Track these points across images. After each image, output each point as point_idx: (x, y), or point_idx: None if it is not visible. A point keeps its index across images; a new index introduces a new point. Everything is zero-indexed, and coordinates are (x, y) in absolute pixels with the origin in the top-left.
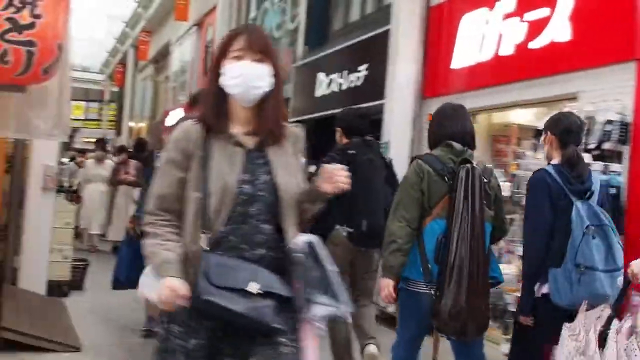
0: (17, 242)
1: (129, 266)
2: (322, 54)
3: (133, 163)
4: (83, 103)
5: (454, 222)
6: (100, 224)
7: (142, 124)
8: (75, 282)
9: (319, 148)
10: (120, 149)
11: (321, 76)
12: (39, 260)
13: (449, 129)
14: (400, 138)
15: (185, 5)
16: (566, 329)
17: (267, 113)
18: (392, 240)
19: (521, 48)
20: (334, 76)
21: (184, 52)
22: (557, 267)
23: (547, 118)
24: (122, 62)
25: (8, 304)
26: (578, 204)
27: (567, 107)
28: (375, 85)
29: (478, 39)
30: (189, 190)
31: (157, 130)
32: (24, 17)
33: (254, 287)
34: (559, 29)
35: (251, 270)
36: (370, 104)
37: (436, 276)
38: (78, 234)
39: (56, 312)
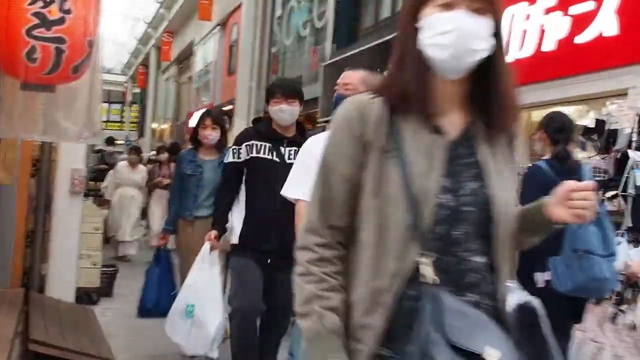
0: (45, 248)
1: (159, 291)
2: (352, 52)
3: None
4: (105, 104)
5: None
6: (131, 231)
7: (165, 126)
8: (105, 289)
9: None
10: (160, 149)
11: None
12: (67, 267)
13: None
14: None
15: (209, 5)
16: (578, 332)
17: (488, 89)
18: None
19: (565, 43)
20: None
21: (208, 53)
22: (556, 255)
23: (590, 115)
24: (145, 64)
25: (36, 312)
26: None
27: (615, 104)
28: None
29: (518, 35)
30: (365, 197)
31: (181, 132)
32: (53, 12)
33: (493, 356)
34: (606, 23)
35: (487, 326)
36: None
37: None
38: (107, 240)
39: (86, 321)
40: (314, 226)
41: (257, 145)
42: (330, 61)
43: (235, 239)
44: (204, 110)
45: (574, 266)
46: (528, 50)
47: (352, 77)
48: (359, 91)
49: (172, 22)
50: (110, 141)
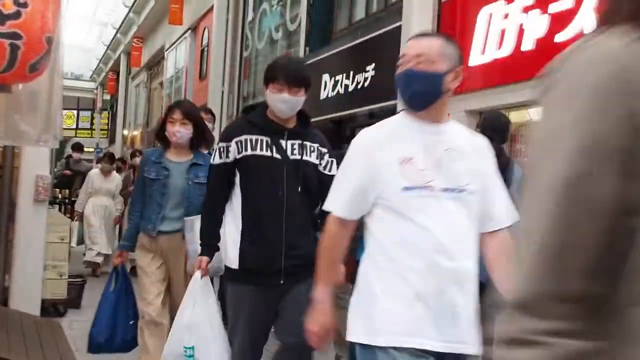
0: (8, 258)
1: (113, 320)
2: (326, 54)
3: None
4: (74, 112)
5: None
6: (106, 243)
7: (136, 132)
8: (72, 301)
9: None
10: (134, 154)
11: (325, 77)
12: (32, 278)
13: None
14: None
15: (179, 9)
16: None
17: None
18: None
19: (544, 42)
20: (339, 77)
21: (179, 58)
22: None
23: None
24: (115, 70)
25: None
26: None
27: None
28: (384, 86)
29: (497, 34)
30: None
31: (152, 138)
32: (7, 5)
33: None
34: (587, 21)
35: None
36: (380, 105)
37: None
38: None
39: (52, 336)
40: (534, 300)
41: (251, 140)
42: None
43: (232, 262)
44: None
45: None
46: (507, 50)
47: (424, 45)
48: (437, 66)
49: (141, 27)
50: (77, 147)
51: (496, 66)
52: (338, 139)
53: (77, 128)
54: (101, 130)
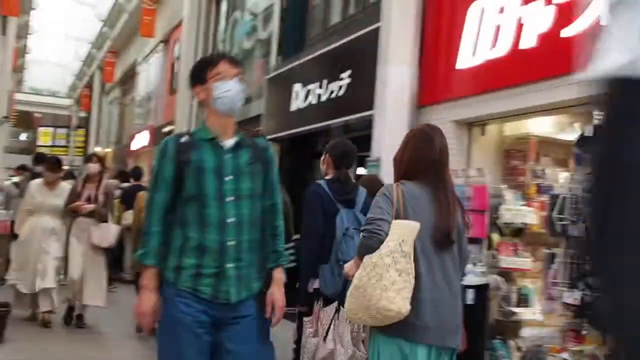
0: None
1: None
2: (298, 62)
3: (107, 184)
4: (51, 129)
5: None
6: (51, 275)
7: (109, 149)
8: None
9: (294, 170)
10: (90, 158)
11: (297, 87)
12: None
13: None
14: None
15: (151, 21)
16: (306, 321)
17: None
18: None
19: (549, 38)
20: (312, 87)
21: (150, 72)
22: (325, 263)
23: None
24: (90, 86)
25: None
26: (342, 211)
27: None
28: (361, 95)
29: (490, 31)
30: None
31: (123, 155)
32: None
33: None
34: (600, 11)
35: None
36: (356, 115)
37: None
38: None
39: None
40: None
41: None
42: (275, 73)
43: None
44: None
45: (336, 273)
46: (502, 49)
47: None
48: None
49: (115, 41)
50: (39, 159)
51: (489, 68)
52: (310, 154)
53: (53, 146)
54: (77, 147)
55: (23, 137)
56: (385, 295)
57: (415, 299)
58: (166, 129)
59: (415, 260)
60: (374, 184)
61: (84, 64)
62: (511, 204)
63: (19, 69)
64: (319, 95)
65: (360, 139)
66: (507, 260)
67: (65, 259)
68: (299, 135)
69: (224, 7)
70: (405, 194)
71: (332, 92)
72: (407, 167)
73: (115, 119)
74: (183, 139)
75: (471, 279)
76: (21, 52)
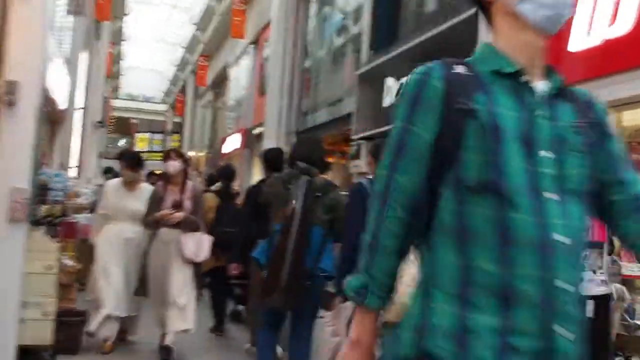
0: None
1: None
2: (391, 54)
3: (194, 187)
4: (147, 135)
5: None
6: (125, 301)
7: (202, 154)
8: (65, 344)
9: None
10: (167, 156)
11: (390, 82)
12: (3, 318)
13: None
14: None
15: (241, 22)
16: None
17: None
18: None
19: None
20: (404, 80)
21: (241, 74)
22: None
23: None
24: (183, 90)
25: None
26: None
27: None
28: None
29: (609, 6)
30: None
31: (215, 159)
32: None
33: None
34: None
35: None
36: None
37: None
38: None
39: None
40: None
41: None
42: (365, 69)
43: None
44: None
45: None
46: (623, 26)
47: None
48: None
49: (207, 45)
50: (108, 172)
51: (607, 49)
52: None
53: (150, 151)
54: None
55: (121, 143)
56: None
57: None
58: (256, 131)
59: None
60: None
61: (178, 68)
62: None
63: (114, 75)
64: None
65: None
66: (630, 267)
67: (141, 278)
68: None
69: (313, 5)
70: None
71: None
72: None
73: (208, 123)
74: (457, 68)
75: (591, 288)
76: (116, 58)
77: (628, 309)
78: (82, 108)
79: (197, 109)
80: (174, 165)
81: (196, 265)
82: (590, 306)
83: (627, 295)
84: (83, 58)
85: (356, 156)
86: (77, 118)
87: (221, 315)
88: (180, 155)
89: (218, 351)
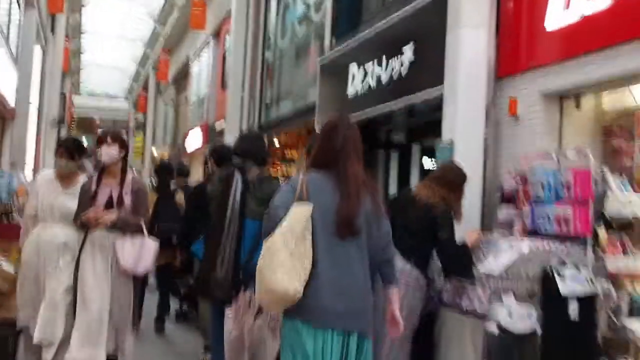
0: None
1: None
2: (354, 40)
3: (136, 179)
4: None
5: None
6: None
7: (165, 151)
8: None
9: None
10: (100, 140)
11: (353, 69)
12: None
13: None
14: (468, 135)
15: (201, 12)
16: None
17: None
18: None
19: None
20: (369, 67)
21: (202, 68)
22: None
23: None
24: (145, 87)
25: None
26: None
27: None
28: (428, 69)
29: None
30: None
31: (178, 157)
32: None
33: None
34: None
35: None
36: (423, 94)
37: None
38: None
39: None
40: None
41: None
42: (328, 57)
43: None
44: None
45: None
46: (603, 1)
47: None
48: None
49: (168, 39)
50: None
51: (588, 25)
52: (371, 144)
53: None
54: (135, 152)
55: (84, 142)
56: (274, 276)
57: (312, 283)
58: (219, 127)
59: (315, 246)
60: (448, 173)
61: (139, 64)
62: (617, 192)
63: (74, 70)
64: (378, 76)
65: (428, 125)
66: (615, 262)
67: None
68: (358, 123)
69: None
70: (309, 183)
71: (392, 70)
72: (315, 158)
73: (171, 119)
74: None
75: (574, 288)
76: (75, 52)
77: (616, 309)
78: (37, 105)
79: (159, 105)
80: (110, 153)
81: (136, 279)
82: (573, 307)
83: (613, 294)
84: (36, 53)
85: None
86: (32, 115)
87: (165, 312)
88: (117, 139)
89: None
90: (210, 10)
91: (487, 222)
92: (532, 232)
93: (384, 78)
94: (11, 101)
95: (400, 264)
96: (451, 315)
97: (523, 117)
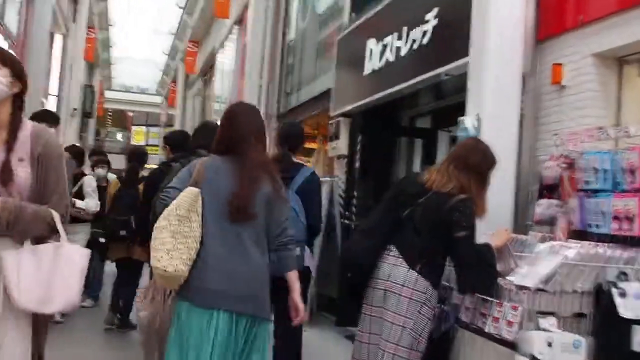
0: None
1: None
2: (372, 12)
3: (32, 132)
4: (144, 128)
5: None
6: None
7: None
8: None
9: (372, 151)
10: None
11: (371, 44)
12: None
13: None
14: (500, 109)
15: (225, 0)
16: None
17: None
18: None
19: None
20: (388, 40)
21: (227, 58)
22: None
23: None
24: (175, 80)
25: None
26: None
27: None
28: (454, 39)
29: None
30: None
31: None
32: None
33: None
34: None
35: None
36: (447, 67)
37: None
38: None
39: None
40: None
41: None
42: (345, 33)
43: None
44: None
45: None
46: None
47: None
48: None
49: (195, 29)
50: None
51: None
52: (392, 128)
53: (146, 145)
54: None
55: (119, 136)
56: (156, 254)
57: (198, 263)
58: None
59: (205, 228)
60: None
61: (169, 57)
62: None
63: (104, 63)
64: (398, 49)
65: (457, 108)
66: None
67: None
68: (377, 105)
69: None
70: (206, 168)
71: (414, 41)
72: (216, 143)
73: (198, 113)
74: None
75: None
76: (104, 44)
77: None
78: (56, 95)
79: (188, 99)
80: None
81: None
82: (638, 336)
83: None
84: (57, 42)
85: (335, 136)
86: (51, 105)
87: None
88: (7, 62)
89: None
90: None
91: (521, 219)
92: (581, 233)
93: (404, 51)
94: None
95: (403, 271)
96: (470, 339)
97: (570, 86)
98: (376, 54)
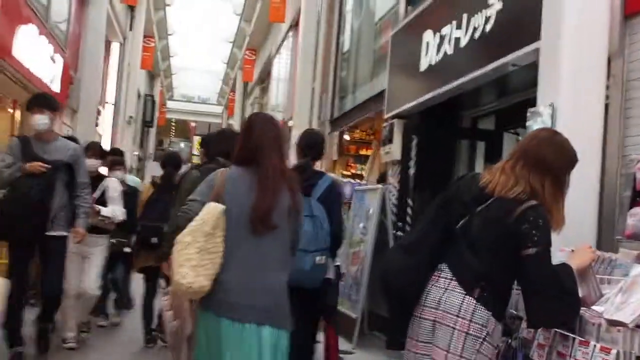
0: None
1: None
2: (428, 1)
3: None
4: None
5: None
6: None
7: None
8: None
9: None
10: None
11: (427, 37)
12: None
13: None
14: (580, 98)
15: (280, 4)
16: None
17: None
18: None
19: None
20: (446, 30)
21: (282, 63)
22: None
23: None
24: (234, 89)
25: None
26: None
27: None
28: (522, 21)
29: None
30: None
31: None
32: None
33: None
34: None
35: None
36: (515, 55)
37: None
38: None
39: None
40: None
41: None
42: (399, 26)
43: None
44: None
45: None
46: None
47: None
48: None
49: (253, 37)
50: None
51: None
52: (452, 129)
53: None
54: None
55: (182, 146)
56: (180, 270)
57: (221, 276)
58: (291, 123)
59: (228, 242)
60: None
61: (228, 65)
62: None
63: (165, 74)
64: (457, 40)
65: (524, 107)
66: None
67: None
68: (434, 104)
69: None
70: (227, 179)
71: (475, 30)
72: (236, 155)
73: None
74: None
75: None
76: (164, 54)
77: None
78: (113, 103)
79: (246, 108)
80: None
81: None
82: None
83: None
84: (114, 49)
85: (389, 140)
86: (108, 113)
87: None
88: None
89: None
90: (290, 2)
91: (608, 233)
92: None
93: (464, 41)
94: (54, 87)
95: (458, 298)
96: None
97: None
98: (433, 47)
